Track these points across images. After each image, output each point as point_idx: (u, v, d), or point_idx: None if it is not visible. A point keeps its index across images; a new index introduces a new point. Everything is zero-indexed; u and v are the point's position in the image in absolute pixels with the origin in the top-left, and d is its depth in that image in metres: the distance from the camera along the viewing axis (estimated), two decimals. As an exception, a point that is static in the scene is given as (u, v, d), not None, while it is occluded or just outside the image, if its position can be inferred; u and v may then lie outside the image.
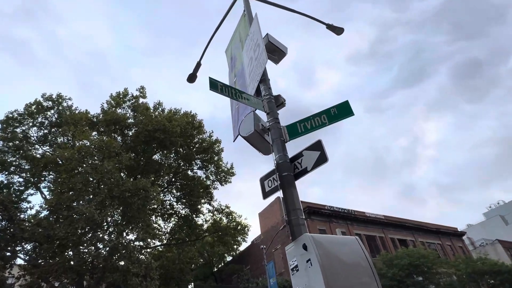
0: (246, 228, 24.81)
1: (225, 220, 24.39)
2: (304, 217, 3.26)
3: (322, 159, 3.51)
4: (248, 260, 31.29)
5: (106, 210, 15.53)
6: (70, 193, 15.69)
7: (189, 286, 26.31)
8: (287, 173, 3.54)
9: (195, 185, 21.80)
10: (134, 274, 15.45)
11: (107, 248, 16.47)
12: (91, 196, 15.93)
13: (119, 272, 15.68)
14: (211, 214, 24.14)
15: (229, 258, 31.81)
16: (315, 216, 26.38)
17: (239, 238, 25.21)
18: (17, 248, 15.72)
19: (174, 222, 23.13)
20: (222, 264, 31.12)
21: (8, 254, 15.32)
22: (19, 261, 16.22)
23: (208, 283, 27.45)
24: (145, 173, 20.73)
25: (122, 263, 16.34)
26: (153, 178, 20.63)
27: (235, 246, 26.61)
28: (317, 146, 3.58)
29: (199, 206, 22.60)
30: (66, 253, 15.71)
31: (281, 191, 3.49)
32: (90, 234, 16.10)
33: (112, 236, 16.88)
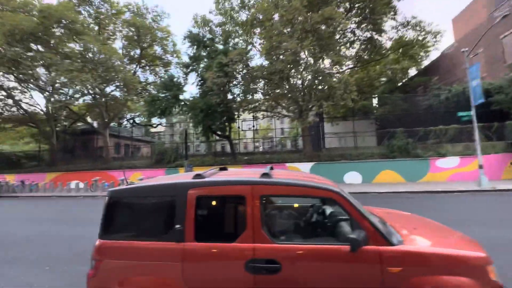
0: (438, 35, 23.06)
1: (411, 33, 23.20)
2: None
3: None
4: (437, 71, 29.97)
5: (304, 43, 19.09)
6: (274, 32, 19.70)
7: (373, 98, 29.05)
8: None
9: (375, 3, 21.26)
10: (337, 88, 19.61)
11: (309, 76, 21.18)
12: (290, 33, 19.55)
13: (325, 90, 20.41)
14: (395, 31, 23.51)
15: (413, 73, 30.41)
16: None
17: (428, 45, 23.77)
18: (255, 86, 22.94)
19: (357, 47, 24.19)
20: (406, 79, 29.58)
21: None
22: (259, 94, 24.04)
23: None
24: (323, 3, 21.78)
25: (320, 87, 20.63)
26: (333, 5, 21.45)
27: (421, 54, 24.55)
28: None
29: (382, 26, 22.37)
30: (284, 84, 21.84)
31: None
32: (294, 70, 20.90)
33: (311, 65, 20.99)
